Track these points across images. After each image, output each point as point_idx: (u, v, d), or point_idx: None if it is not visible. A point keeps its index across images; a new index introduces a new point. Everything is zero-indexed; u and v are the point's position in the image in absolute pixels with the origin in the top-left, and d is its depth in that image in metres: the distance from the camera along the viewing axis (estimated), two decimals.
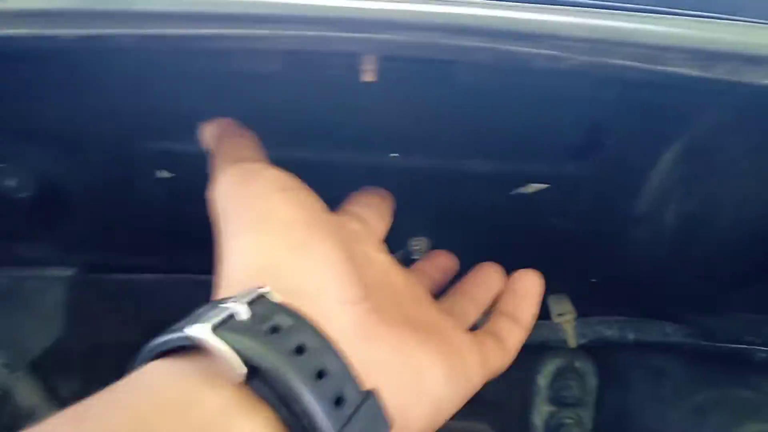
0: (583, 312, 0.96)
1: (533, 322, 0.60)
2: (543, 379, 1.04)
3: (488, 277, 0.63)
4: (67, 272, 0.90)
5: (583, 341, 0.97)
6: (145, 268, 0.92)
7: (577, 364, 1.03)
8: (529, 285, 0.61)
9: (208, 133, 0.54)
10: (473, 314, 0.60)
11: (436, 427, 0.46)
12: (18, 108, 0.61)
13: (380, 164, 0.70)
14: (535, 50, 0.41)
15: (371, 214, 0.59)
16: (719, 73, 0.44)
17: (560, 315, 0.96)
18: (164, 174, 0.70)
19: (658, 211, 0.75)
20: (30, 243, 0.86)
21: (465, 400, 0.49)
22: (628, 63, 0.43)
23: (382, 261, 0.55)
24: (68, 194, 0.76)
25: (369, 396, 0.37)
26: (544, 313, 0.95)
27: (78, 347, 0.94)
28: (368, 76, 0.44)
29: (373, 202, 0.61)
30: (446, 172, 0.71)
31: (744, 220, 0.78)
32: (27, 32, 0.40)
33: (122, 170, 0.72)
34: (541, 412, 1.05)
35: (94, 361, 0.95)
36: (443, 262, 0.68)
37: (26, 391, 0.90)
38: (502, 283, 0.63)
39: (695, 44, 0.43)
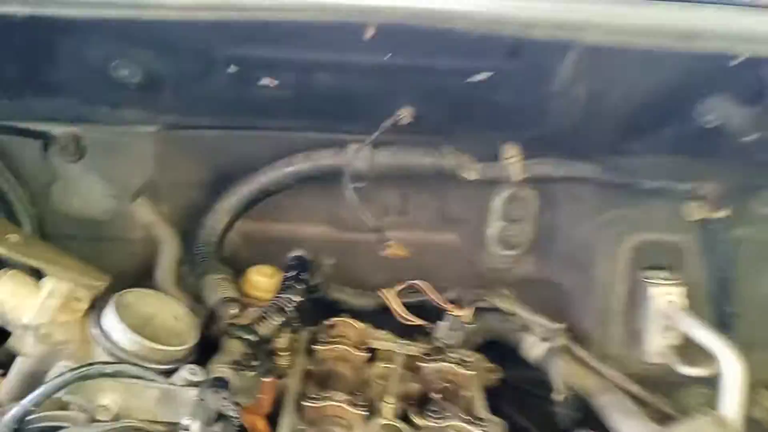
0: (525, 156, 1.32)
1: None
2: (497, 203, 1.42)
3: None
4: (153, 128, 1.25)
5: (526, 176, 1.34)
6: (212, 126, 1.27)
7: (522, 192, 1.41)
8: None
9: None
10: None
11: None
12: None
13: (380, 62, 1.02)
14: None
15: None
16: None
17: (509, 158, 1.32)
18: (232, 69, 1.04)
19: (572, 89, 1.10)
20: (130, 109, 1.20)
21: None
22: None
23: None
24: (162, 79, 1.09)
25: None
26: (497, 157, 1.32)
27: (164, 184, 1.31)
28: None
29: None
30: (424, 66, 1.05)
31: (633, 93, 1.13)
32: None
33: (200, 66, 1.05)
34: (495, 226, 1.44)
35: (175, 194, 1.33)
36: None
37: (144, 210, 1.27)
38: None
39: None
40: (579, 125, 1.20)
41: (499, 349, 1.38)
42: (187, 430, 0.77)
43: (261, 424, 0.97)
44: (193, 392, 0.82)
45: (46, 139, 1.25)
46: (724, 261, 1.36)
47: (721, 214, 1.30)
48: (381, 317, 1.38)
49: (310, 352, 1.22)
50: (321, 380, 1.15)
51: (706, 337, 1.23)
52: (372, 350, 1.25)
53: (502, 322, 1.37)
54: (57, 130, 1.25)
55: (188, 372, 0.86)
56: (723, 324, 1.38)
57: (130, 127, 1.25)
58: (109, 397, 0.79)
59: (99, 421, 0.76)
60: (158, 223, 1.23)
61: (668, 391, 1.34)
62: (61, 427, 0.75)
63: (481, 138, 1.30)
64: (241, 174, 1.35)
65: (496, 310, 1.37)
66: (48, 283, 0.92)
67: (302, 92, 1.11)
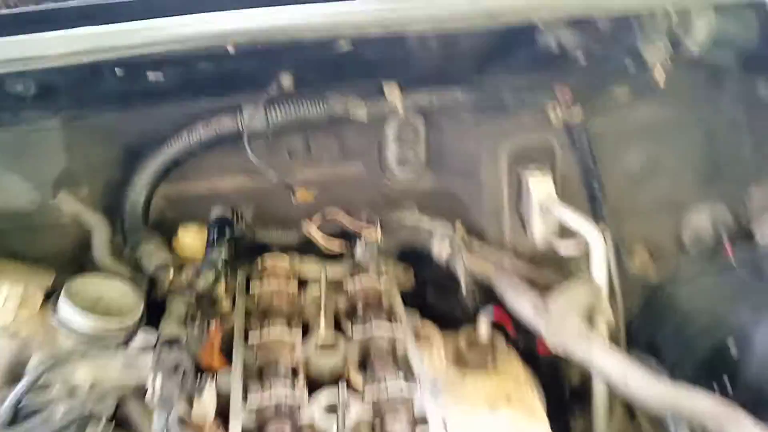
0: (404, 90, 1.49)
1: None
2: (389, 132, 1.61)
3: None
4: (56, 122, 1.36)
5: (410, 108, 1.52)
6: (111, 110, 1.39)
7: (410, 119, 1.59)
8: None
9: None
10: None
11: None
12: None
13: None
14: None
15: None
16: None
17: (392, 97, 1.49)
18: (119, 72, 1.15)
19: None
20: (31, 111, 1.30)
21: None
22: None
23: None
24: (56, 87, 1.20)
25: None
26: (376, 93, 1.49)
27: (79, 169, 1.42)
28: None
29: None
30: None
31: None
32: None
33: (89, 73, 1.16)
34: (390, 150, 1.63)
35: (92, 176, 1.46)
36: None
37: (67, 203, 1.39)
38: None
39: None
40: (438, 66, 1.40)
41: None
42: (152, 386, 0.96)
43: (217, 362, 1.16)
44: (150, 354, 1.00)
45: None
46: (587, 152, 1.60)
47: (576, 114, 1.52)
48: (307, 248, 1.58)
49: (247, 291, 1.41)
50: (262, 315, 1.35)
51: (574, 219, 1.48)
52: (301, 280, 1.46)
53: (412, 233, 1.59)
54: None
55: (143, 338, 1.04)
56: (594, 202, 1.65)
57: (34, 125, 1.36)
58: (81, 375, 0.96)
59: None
60: (82, 211, 1.36)
61: (559, 265, 1.61)
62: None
63: (361, 84, 1.47)
64: (149, 147, 1.48)
65: (404, 224, 1.59)
66: (3, 289, 1.07)
67: (188, 78, 1.24)
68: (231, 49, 0.94)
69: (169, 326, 1.07)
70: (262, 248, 1.57)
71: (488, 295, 1.48)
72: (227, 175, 1.61)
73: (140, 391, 0.97)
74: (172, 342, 1.03)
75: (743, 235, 1.72)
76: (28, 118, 1.33)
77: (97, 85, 1.20)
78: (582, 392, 1.79)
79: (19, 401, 0.92)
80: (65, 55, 0.92)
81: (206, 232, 1.43)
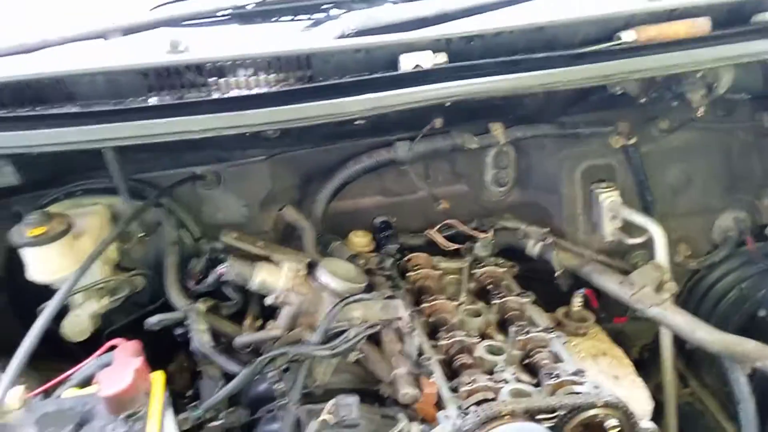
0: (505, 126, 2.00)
1: None
2: (489, 158, 2.10)
3: None
4: (264, 157, 1.86)
5: (507, 139, 2.02)
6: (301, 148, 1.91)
7: (504, 149, 2.09)
8: None
9: None
10: None
11: None
12: None
13: None
14: None
15: None
16: None
17: (495, 130, 2.00)
18: None
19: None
20: (253, 149, 1.81)
21: None
22: None
23: None
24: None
25: None
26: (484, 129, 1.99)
27: (278, 192, 1.92)
28: None
29: None
30: None
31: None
32: None
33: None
34: (490, 173, 2.12)
35: (284, 197, 1.95)
36: None
37: (290, 212, 1.89)
38: None
39: None
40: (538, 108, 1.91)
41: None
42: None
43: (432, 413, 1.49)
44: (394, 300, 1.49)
45: (195, 178, 1.83)
46: (640, 169, 2.11)
47: (632, 140, 2.04)
48: (428, 249, 2.06)
49: (402, 277, 1.89)
50: (417, 294, 1.82)
51: (637, 218, 1.99)
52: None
53: (510, 235, 2.08)
54: (201, 169, 1.84)
55: (377, 294, 1.53)
56: (647, 208, 2.15)
57: (249, 160, 1.85)
58: (357, 312, 1.44)
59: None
60: (299, 218, 1.84)
61: (621, 257, 2.11)
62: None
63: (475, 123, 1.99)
64: (318, 174, 1.98)
65: (504, 228, 2.08)
66: (284, 264, 1.55)
67: (375, 123, 1.70)
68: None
69: (387, 291, 1.58)
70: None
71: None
72: (367, 195, 2.10)
73: (392, 324, 1.46)
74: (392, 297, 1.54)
75: (759, 232, 2.25)
76: (249, 155, 1.83)
77: (314, 130, 1.69)
78: (640, 363, 2.29)
79: (326, 329, 1.39)
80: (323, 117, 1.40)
81: (369, 234, 1.91)
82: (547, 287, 1.99)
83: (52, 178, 1.78)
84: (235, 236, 1.60)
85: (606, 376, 1.71)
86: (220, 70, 1.40)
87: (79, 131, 1.34)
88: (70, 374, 1.18)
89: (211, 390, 1.41)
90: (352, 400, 1.27)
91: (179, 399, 1.57)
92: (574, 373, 1.46)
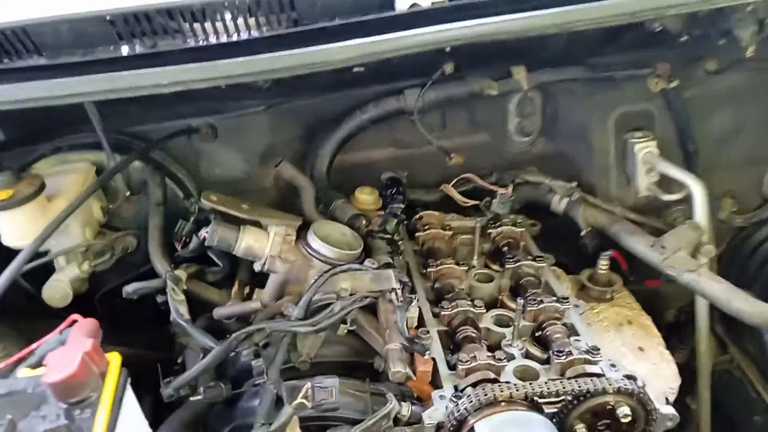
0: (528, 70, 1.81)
1: None
2: (512, 105, 1.92)
3: None
4: (262, 108, 1.72)
5: (531, 84, 1.83)
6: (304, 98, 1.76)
7: (528, 95, 1.90)
8: None
9: None
10: None
11: None
12: None
13: None
14: None
15: None
16: None
17: (518, 74, 1.80)
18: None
19: None
20: (248, 99, 1.67)
21: None
22: None
23: None
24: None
25: None
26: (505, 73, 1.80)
27: (278, 145, 1.79)
28: None
29: None
30: None
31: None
32: None
33: None
34: (513, 122, 1.94)
35: (286, 150, 1.82)
36: None
37: (287, 169, 1.76)
38: None
39: None
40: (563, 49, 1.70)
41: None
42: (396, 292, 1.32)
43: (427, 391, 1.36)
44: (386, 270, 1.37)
45: (190, 131, 1.72)
46: (681, 116, 1.89)
47: (673, 84, 1.81)
48: (445, 205, 1.91)
49: (411, 238, 1.75)
50: (425, 255, 1.69)
51: (675, 172, 1.79)
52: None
53: (534, 190, 1.91)
54: (196, 122, 1.72)
55: (370, 262, 1.39)
56: (689, 159, 1.94)
57: (247, 111, 1.72)
58: (345, 283, 1.32)
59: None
60: (297, 175, 1.71)
61: (657, 214, 1.92)
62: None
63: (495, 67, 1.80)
64: (323, 126, 1.83)
65: (526, 182, 1.91)
66: (272, 228, 1.43)
67: (378, 70, 1.53)
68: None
69: (384, 257, 1.44)
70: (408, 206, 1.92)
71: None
72: (378, 147, 1.95)
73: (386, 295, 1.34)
74: (389, 265, 1.40)
75: None
76: (245, 105, 1.69)
77: (310, 79, 1.54)
78: (676, 326, 2.12)
79: (309, 301, 1.28)
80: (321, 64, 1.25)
81: (376, 192, 1.77)
82: (573, 247, 1.84)
83: (41, 132, 1.69)
84: (215, 198, 1.46)
85: (629, 348, 1.56)
86: (193, 15, 1.26)
87: (46, 85, 1.24)
88: (31, 351, 1.10)
89: (195, 361, 1.33)
90: (331, 382, 1.17)
91: (170, 366, 1.51)
92: (588, 351, 1.32)
